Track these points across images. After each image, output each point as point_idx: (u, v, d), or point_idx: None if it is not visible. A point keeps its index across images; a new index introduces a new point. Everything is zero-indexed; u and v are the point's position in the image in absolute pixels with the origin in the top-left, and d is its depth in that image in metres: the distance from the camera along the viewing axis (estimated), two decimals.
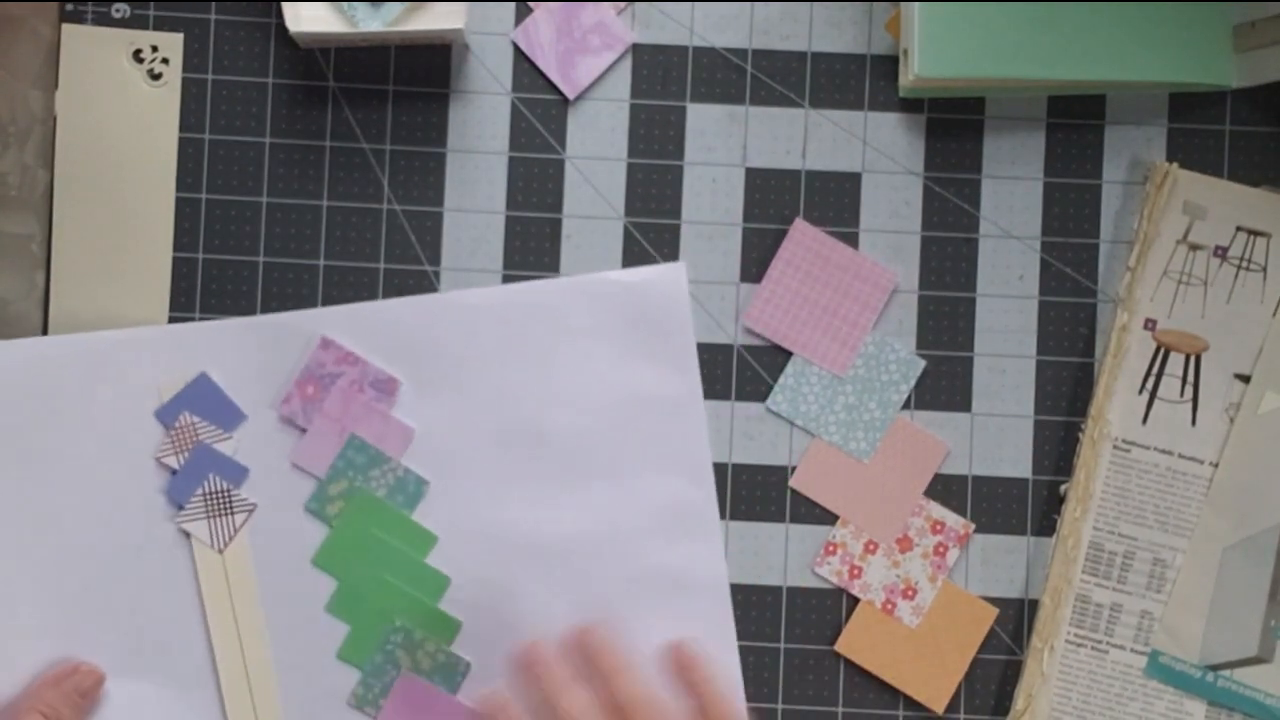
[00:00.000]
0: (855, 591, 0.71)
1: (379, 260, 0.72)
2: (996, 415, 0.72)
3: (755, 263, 0.72)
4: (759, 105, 0.72)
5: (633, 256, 0.72)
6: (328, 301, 0.71)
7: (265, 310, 0.71)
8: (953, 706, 0.71)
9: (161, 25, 0.71)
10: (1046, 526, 0.71)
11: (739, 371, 0.71)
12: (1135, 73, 0.69)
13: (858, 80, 0.72)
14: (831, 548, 0.71)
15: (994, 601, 0.71)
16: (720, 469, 0.71)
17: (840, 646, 0.71)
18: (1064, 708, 0.70)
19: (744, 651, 0.71)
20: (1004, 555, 0.71)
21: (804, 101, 0.72)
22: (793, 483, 0.71)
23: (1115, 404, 0.71)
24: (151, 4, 0.71)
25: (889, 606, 0.71)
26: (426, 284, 0.71)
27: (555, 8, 0.71)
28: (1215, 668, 0.70)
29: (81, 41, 0.71)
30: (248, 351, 0.69)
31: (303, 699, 0.68)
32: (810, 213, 0.72)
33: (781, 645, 0.71)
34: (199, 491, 0.68)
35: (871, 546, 0.71)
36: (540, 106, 0.71)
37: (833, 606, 0.71)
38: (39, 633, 0.67)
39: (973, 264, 0.72)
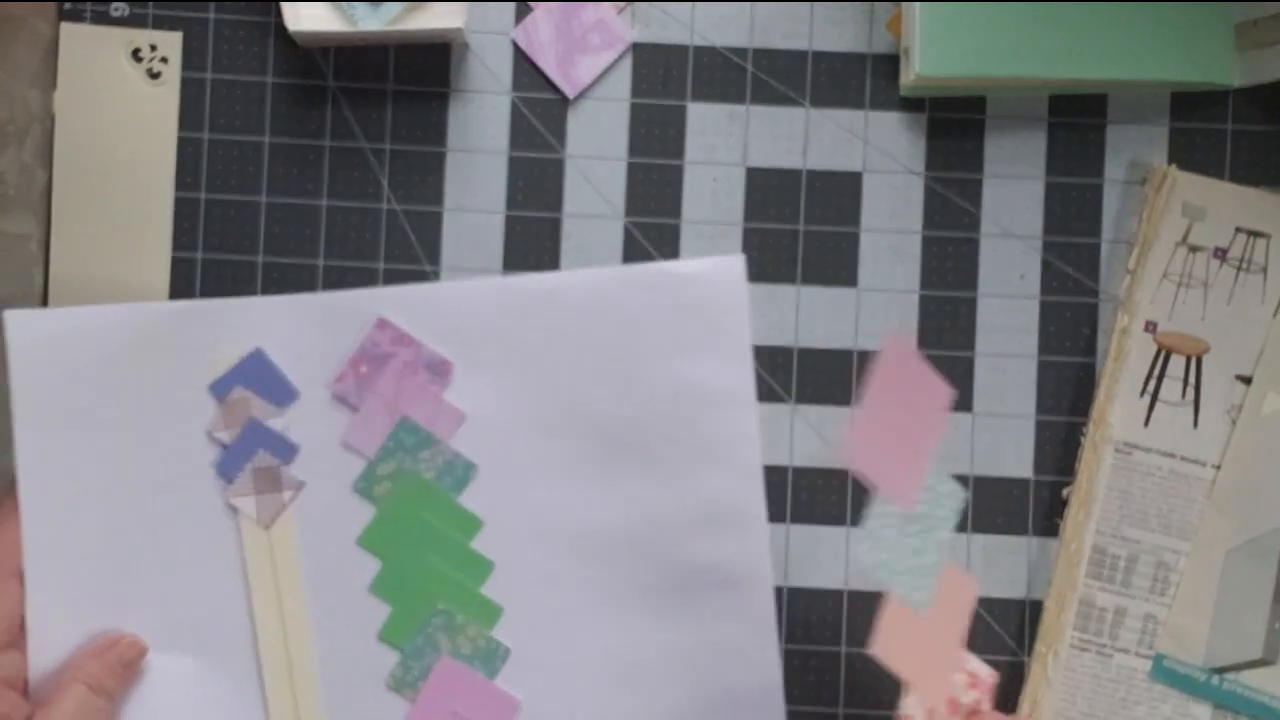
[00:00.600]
0: None
1: (378, 260, 0.71)
2: (998, 415, 0.72)
3: (755, 263, 0.72)
4: (759, 104, 0.72)
5: (633, 256, 0.72)
6: None
7: None
8: None
9: (160, 24, 0.71)
10: (1049, 527, 0.71)
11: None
12: (1137, 72, 0.69)
13: (858, 79, 0.72)
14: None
15: (995, 602, 0.71)
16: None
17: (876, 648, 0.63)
18: (1069, 712, 0.70)
19: (804, 655, 0.71)
20: (1005, 556, 0.71)
21: (805, 101, 0.72)
22: (873, 652, 0.61)
23: (1117, 407, 0.71)
24: (150, 3, 0.71)
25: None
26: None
27: (555, 7, 0.71)
28: (1220, 670, 0.70)
29: (80, 40, 0.71)
30: (303, 328, 0.68)
31: (341, 679, 0.68)
32: (811, 212, 0.72)
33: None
34: (248, 467, 0.68)
35: (932, 715, 0.63)
36: (540, 106, 0.71)
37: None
38: (83, 601, 0.67)
39: (973, 263, 0.72)
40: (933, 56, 0.68)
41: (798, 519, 0.72)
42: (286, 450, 0.68)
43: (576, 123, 0.72)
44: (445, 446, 0.68)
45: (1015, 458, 0.71)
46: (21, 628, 0.65)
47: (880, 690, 0.71)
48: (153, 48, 0.71)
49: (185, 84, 0.71)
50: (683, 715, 0.68)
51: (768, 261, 0.72)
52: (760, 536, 0.68)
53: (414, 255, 0.71)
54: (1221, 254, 0.71)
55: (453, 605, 0.68)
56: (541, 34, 0.71)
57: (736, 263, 0.68)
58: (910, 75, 0.70)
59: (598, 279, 0.69)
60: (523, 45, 0.71)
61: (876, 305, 0.72)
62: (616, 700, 0.68)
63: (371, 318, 0.68)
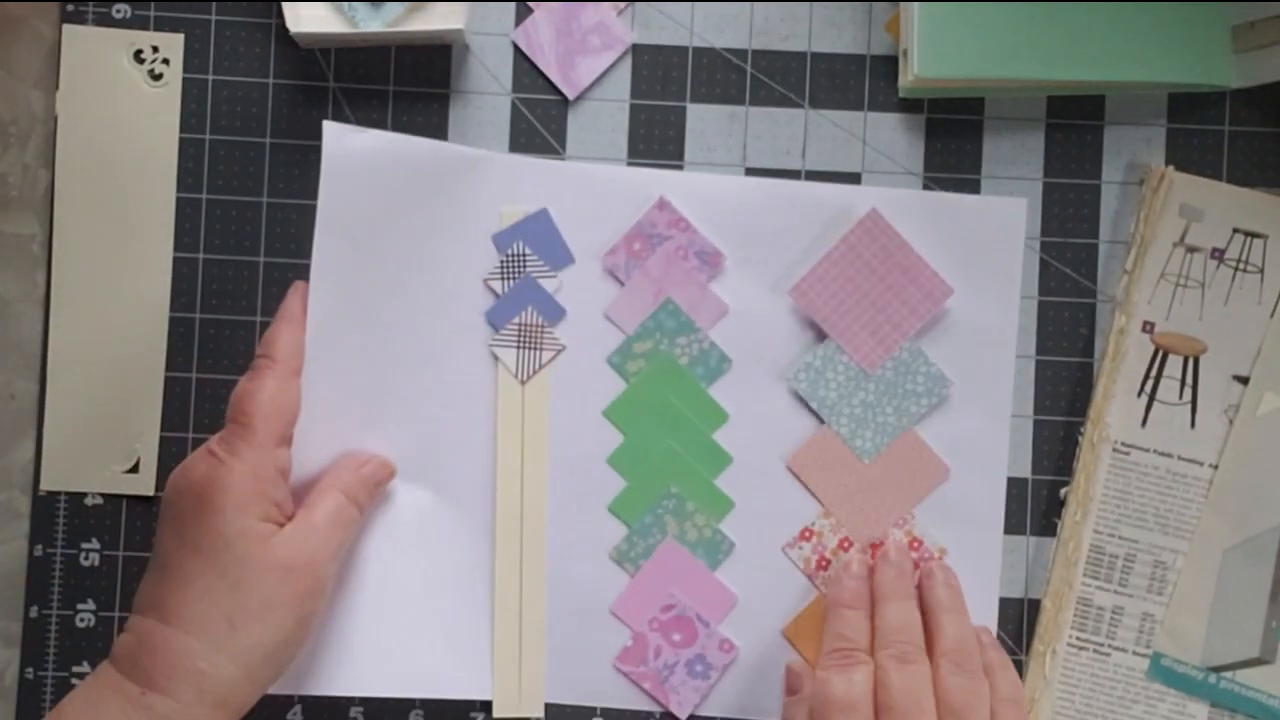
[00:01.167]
0: (817, 583, 0.71)
1: None
2: None
3: None
4: (759, 105, 0.72)
5: None
6: None
7: (266, 313, 0.71)
8: None
9: (162, 26, 0.71)
10: (1047, 527, 0.71)
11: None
12: (1134, 73, 0.70)
13: (857, 80, 0.72)
14: (808, 533, 0.71)
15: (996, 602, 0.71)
16: None
17: (788, 629, 0.71)
18: (1067, 711, 0.70)
19: None
20: (1004, 555, 0.71)
21: (804, 102, 0.72)
22: (789, 462, 0.71)
23: (1114, 407, 0.71)
24: (152, 4, 0.71)
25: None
26: None
27: (555, 8, 0.71)
28: (1217, 669, 0.70)
29: (82, 42, 0.71)
30: (589, 197, 0.71)
31: (567, 541, 0.71)
32: None
33: None
34: (515, 321, 0.70)
35: (845, 544, 0.71)
36: (540, 107, 0.72)
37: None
38: (343, 415, 0.69)
39: None
40: (931, 58, 0.69)
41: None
42: (555, 312, 0.70)
43: (576, 124, 0.72)
44: (704, 335, 0.70)
45: (1014, 457, 0.71)
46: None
47: None
48: (154, 49, 0.71)
49: (187, 85, 0.71)
50: None
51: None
52: (999, 482, 0.71)
53: None
54: (1219, 254, 0.71)
55: (685, 491, 0.71)
56: (542, 35, 0.71)
57: (1019, 205, 0.70)
58: (909, 76, 0.70)
59: (880, 196, 0.71)
60: (523, 46, 0.72)
61: None
62: None
63: (653, 197, 0.70)
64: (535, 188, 0.71)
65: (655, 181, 0.71)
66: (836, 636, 0.66)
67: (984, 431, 0.71)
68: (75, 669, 0.71)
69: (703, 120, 0.72)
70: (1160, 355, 0.71)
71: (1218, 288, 0.71)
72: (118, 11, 0.71)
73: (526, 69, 0.72)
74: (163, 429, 0.71)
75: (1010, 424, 0.71)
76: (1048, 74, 0.69)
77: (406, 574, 0.69)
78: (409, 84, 0.72)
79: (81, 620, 0.71)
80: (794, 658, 0.70)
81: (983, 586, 0.70)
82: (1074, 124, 0.72)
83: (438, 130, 0.71)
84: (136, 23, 0.71)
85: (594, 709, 0.71)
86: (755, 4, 0.72)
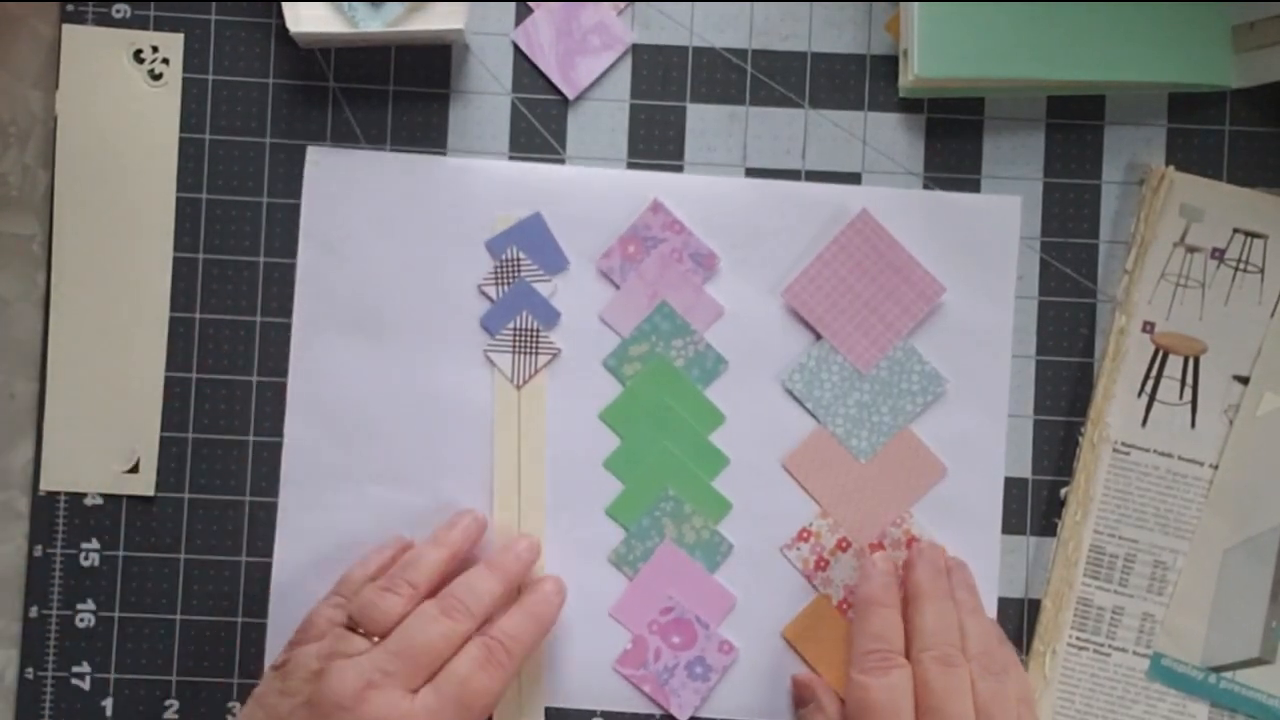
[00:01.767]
0: (817, 583, 0.71)
1: None
2: None
3: None
4: (759, 105, 0.72)
5: None
6: None
7: (266, 313, 0.71)
8: None
9: (162, 25, 0.71)
10: (1047, 527, 0.71)
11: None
12: (1134, 73, 0.70)
13: (857, 80, 0.72)
14: (805, 534, 0.71)
15: (995, 601, 0.71)
16: None
17: (787, 631, 0.71)
18: (1067, 711, 0.70)
19: None
20: (1004, 555, 0.71)
21: (804, 102, 0.72)
22: (785, 463, 0.71)
23: (1114, 407, 0.71)
24: (152, 4, 0.71)
25: (845, 606, 0.71)
26: None
27: (555, 8, 0.71)
28: (1217, 669, 0.70)
29: (82, 42, 0.71)
30: (583, 201, 0.71)
31: (564, 545, 0.71)
32: None
33: None
34: (510, 325, 0.70)
35: (844, 544, 0.71)
36: (540, 107, 0.72)
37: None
38: (336, 422, 0.70)
39: None
40: (931, 58, 0.69)
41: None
42: (550, 316, 0.71)
43: (576, 124, 0.72)
44: (699, 337, 0.71)
45: (1014, 457, 0.71)
46: None
47: None
48: (154, 49, 0.71)
49: (187, 85, 0.71)
50: None
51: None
52: (996, 480, 0.71)
53: None
54: (1219, 254, 0.71)
55: (683, 493, 0.71)
56: (542, 35, 0.71)
57: (1013, 203, 0.70)
58: (909, 76, 0.70)
59: (874, 198, 0.71)
60: (523, 46, 0.72)
61: None
62: None
63: (647, 199, 0.70)
64: (528, 193, 0.71)
65: (649, 184, 0.71)
66: (871, 637, 0.66)
67: (981, 430, 0.71)
68: (75, 669, 0.71)
69: (703, 120, 0.72)
70: (1160, 355, 0.71)
71: (1218, 288, 0.71)
72: (117, 11, 0.71)
73: (526, 69, 0.72)
74: (162, 429, 0.71)
75: (1008, 423, 0.71)
76: (1048, 74, 0.69)
77: None
78: (409, 84, 0.72)
79: (81, 620, 0.71)
80: (795, 658, 0.70)
81: (982, 586, 0.70)
82: (1074, 124, 0.72)
83: (438, 130, 0.71)
84: (136, 22, 0.71)
85: (594, 712, 0.71)
86: (755, 4, 0.72)
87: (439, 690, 0.62)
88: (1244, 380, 0.71)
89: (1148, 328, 0.71)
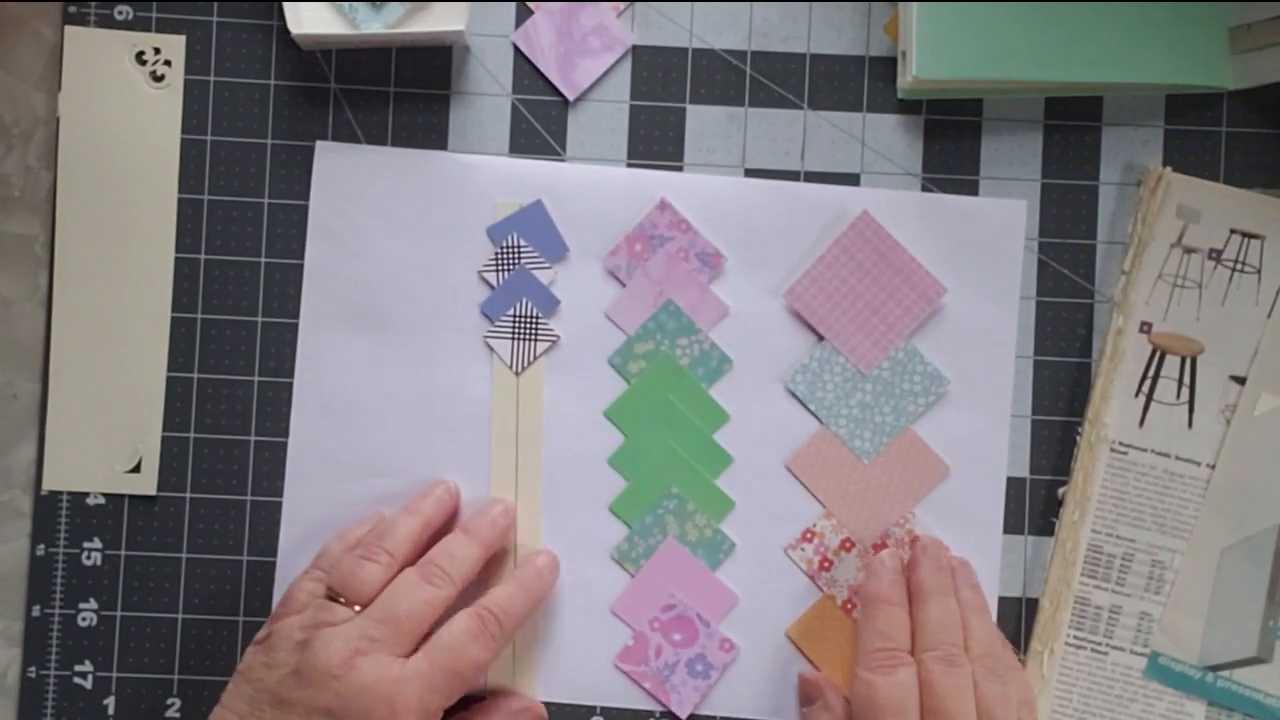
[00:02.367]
0: (821, 584, 0.71)
1: None
2: None
3: None
4: (758, 107, 0.72)
5: None
6: None
7: (268, 313, 0.71)
8: None
9: (164, 27, 0.71)
10: (1045, 526, 0.71)
11: None
12: (1132, 74, 0.70)
13: (856, 82, 0.72)
14: (809, 535, 0.71)
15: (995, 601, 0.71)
16: None
17: (791, 630, 0.71)
18: (1065, 710, 0.70)
19: None
20: (1003, 554, 0.71)
21: (803, 103, 0.72)
22: (789, 463, 0.71)
23: (1112, 407, 0.71)
24: (154, 6, 0.71)
25: (849, 606, 0.71)
26: None
27: (555, 9, 0.71)
28: (1215, 668, 0.70)
29: (84, 43, 0.71)
30: (590, 198, 0.71)
31: (565, 541, 0.71)
32: None
33: None
34: (510, 312, 0.71)
35: (848, 544, 0.71)
36: (540, 108, 0.72)
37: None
38: (341, 411, 0.71)
39: None
40: (930, 59, 0.69)
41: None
42: (549, 302, 0.71)
43: (576, 125, 0.72)
44: (705, 336, 0.71)
45: (1012, 457, 0.71)
46: None
47: None
48: (156, 50, 0.71)
49: (188, 86, 0.71)
50: None
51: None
52: (998, 482, 0.71)
53: None
54: (1216, 255, 0.71)
55: (686, 491, 0.71)
56: (542, 37, 0.72)
57: (1018, 206, 0.71)
58: (908, 78, 0.70)
59: (880, 199, 0.71)
60: (523, 48, 0.72)
61: None
62: None
63: (654, 198, 0.71)
64: (534, 189, 0.71)
65: (656, 183, 0.71)
66: (878, 635, 0.66)
67: (983, 432, 0.71)
68: (77, 668, 0.71)
69: (702, 121, 0.72)
70: (1158, 355, 0.71)
71: (1215, 288, 0.71)
72: (119, 13, 0.71)
73: (527, 70, 0.72)
74: (165, 429, 0.71)
75: (1009, 424, 0.71)
76: (1046, 75, 0.69)
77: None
78: (409, 85, 0.72)
79: (83, 619, 0.71)
80: (796, 657, 0.71)
81: (984, 585, 0.70)
82: (1072, 125, 0.72)
83: (438, 131, 0.72)
84: (138, 24, 0.71)
85: (594, 708, 0.71)
86: (754, 5, 0.72)
87: (431, 657, 0.63)
88: (1241, 380, 0.71)
89: (1145, 328, 0.71)
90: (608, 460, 0.71)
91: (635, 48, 0.72)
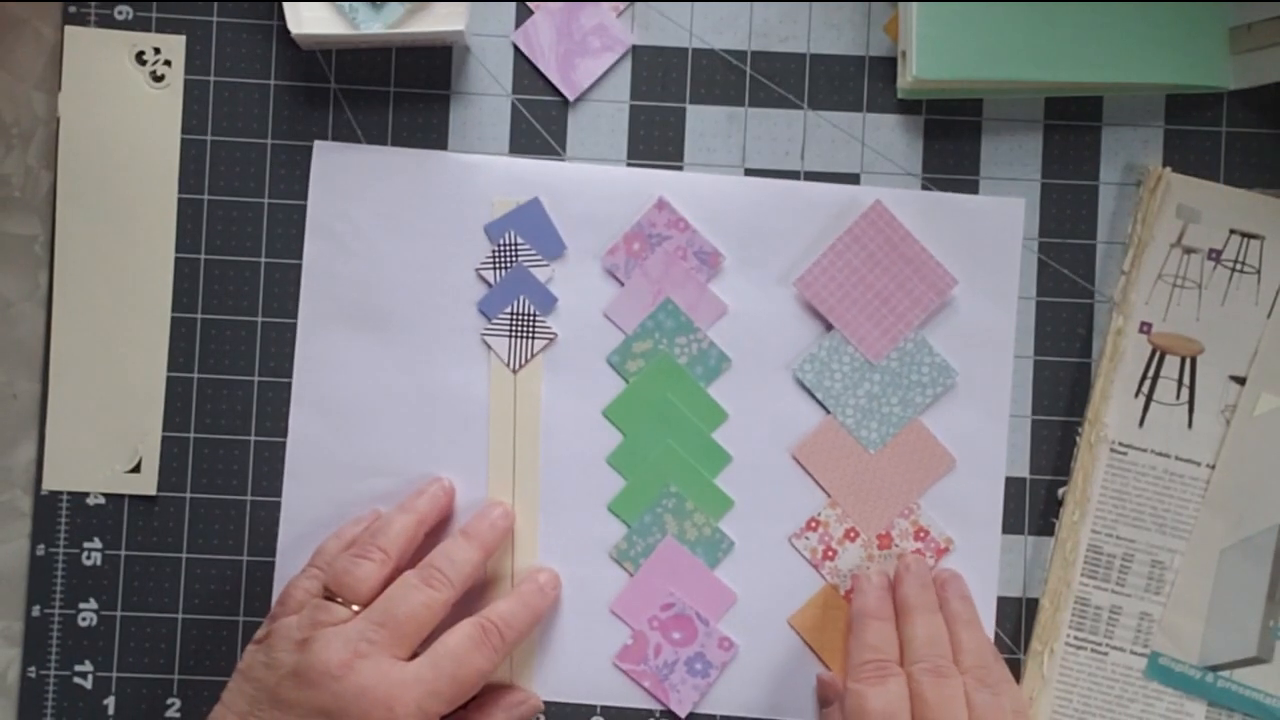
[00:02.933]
0: (824, 573, 0.71)
1: None
2: None
3: None
4: (758, 107, 0.72)
5: None
6: None
7: (268, 313, 0.71)
8: None
9: (164, 27, 0.71)
10: (1045, 526, 0.71)
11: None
12: (1132, 74, 0.70)
13: (856, 82, 0.72)
14: (814, 524, 0.71)
15: (995, 600, 0.71)
16: None
17: (794, 619, 0.71)
18: (1065, 710, 0.70)
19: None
20: (1002, 554, 0.71)
21: (803, 103, 0.72)
22: (795, 452, 0.71)
23: (1112, 407, 0.71)
24: (154, 6, 0.71)
25: (851, 596, 0.71)
26: None
27: (555, 9, 0.71)
28: (1215, 668, 0.70)
29: (84, 43, 0.71)
30: (588, 197, 0.71)
31: (564, 541, 0.71)
32: None
33: None
34: (508, 310, 0.71)
35: (852, 534, 0.71)
36: (540, 108, 0.72)
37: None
38: (338, 412, 0.71)
39: None
40: (930, 59, 0.69)
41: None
42: (546, 300, 0.71)
43: (576, 125, 0.72)
44: (703, 335, 0.71)
45: (1012, 457, 0.71)
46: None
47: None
48: (156, 51, 0.71)
49: (189, 86, 0.71)
50: None
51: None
52: (997, 481, 0.71)
53: None
54: (1216, 255, 0.71)
55: (685, 490, 0.71)
56: (542, 37, 0.72)
57: (1017, 206, 0.71)
58: (908, 78, 0.70)
59: (879, 196, 0.71)
60: (523, 48, 0.72)
61: None
62: None
63: (652, 197, 0.71)
64: (533, 189, 0.71)
65: (655, 182, 0.71)
66: (866, 648, 0.66)
67: (982, 431, 0.71)
68: (77, 668, 0.71)
69: (702, 121, 0.72)
70: (1158, 355, 0.71)
71: (1215, 288, 0.71)
72: (119, 13, 0.71)
73: (527, 70, 0.72)
74: (164, 429, 0.71)
75: (1009, 424, 0.71)
76: (1046, 75, 0.69)
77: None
78: (409, 85, 0.72)
79: (83, 619, 0.71)
80: (795, 655, 0.71)
81: (981, 585, 0.70)
82: (1072, 125, 0.72)
83: (438, 131, 0.72)
84: (138, 24, 0.71)
85: (594, 707, 0.71)
86: (754, 5, 0.72)
87: (435, 663, 0.63)
88: (1241, 380, 0.71)
89: (1145, 328, 0.71)
90: (606, 459, 0.71)
91: (635, 48, 0.72)
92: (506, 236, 0.71)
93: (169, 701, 0.71)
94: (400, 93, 0.72)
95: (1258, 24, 0.70)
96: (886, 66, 0.72)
